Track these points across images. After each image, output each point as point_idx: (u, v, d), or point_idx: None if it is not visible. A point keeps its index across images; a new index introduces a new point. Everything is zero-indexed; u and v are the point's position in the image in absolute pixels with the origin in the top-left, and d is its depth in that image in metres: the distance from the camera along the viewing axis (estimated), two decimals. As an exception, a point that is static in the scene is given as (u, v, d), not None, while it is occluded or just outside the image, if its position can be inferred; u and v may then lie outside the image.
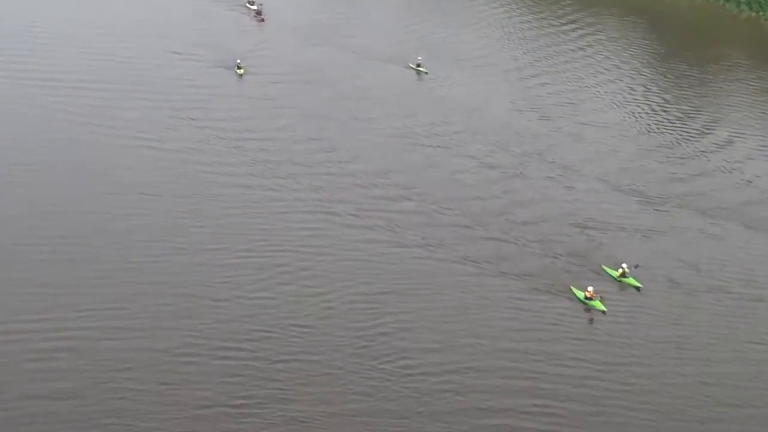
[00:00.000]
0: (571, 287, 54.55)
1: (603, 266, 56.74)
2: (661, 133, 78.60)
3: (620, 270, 55.99)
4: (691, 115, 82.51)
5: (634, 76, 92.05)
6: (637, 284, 55.50)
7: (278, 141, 72.11)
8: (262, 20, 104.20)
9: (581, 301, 53.54)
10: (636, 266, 55.39)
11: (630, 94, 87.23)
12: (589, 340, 51.01)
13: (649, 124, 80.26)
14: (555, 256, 57.86)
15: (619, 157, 73.07)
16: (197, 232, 58.76)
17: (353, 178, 66.56)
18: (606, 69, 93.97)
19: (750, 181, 69.56)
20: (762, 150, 76.08)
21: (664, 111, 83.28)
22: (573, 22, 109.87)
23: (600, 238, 60.50)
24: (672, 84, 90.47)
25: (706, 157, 73.94)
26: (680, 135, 78.18)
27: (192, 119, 74.73)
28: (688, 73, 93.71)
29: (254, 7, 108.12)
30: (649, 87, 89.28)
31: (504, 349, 49.57)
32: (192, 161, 67.84)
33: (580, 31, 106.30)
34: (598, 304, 53.28)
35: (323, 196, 63.88)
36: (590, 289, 53.66)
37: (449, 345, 49.73)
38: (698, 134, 78.50)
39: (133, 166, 66.39)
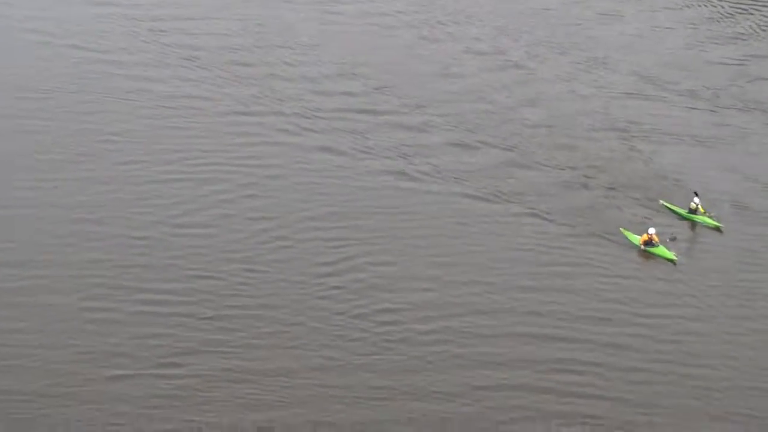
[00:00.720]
0: (622, 229, 41.46)
1: (662, 201, 43.37)
2: (725, 19, 63.85)
3: (693, 205, 42.60)
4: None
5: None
6: (716, 223, 42.16)
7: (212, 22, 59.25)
8: None
9: (638, 247, 40.43)
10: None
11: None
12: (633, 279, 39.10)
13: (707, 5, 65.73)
14: (590, 178, 45.26)
15: (666, 46, 59.82)
16: (102, 141, 46.47)
17: (308, 68, 54.17)
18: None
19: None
20: None
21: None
22: None
23: (649, 151, 47.77)
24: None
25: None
26: (752, 24, 63.60)
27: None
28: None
29: None
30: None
31: (520, 290, 37.65)
32: (91, 51, 55.21)
33: None
34: (663, 251, 40.04)
35: (270, 93, 51.27)
36: (651, 231, 40.26)
37: (443, 286, 37.66)
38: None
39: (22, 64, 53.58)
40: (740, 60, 57.96)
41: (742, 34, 61.74)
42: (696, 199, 42.60)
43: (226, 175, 44.12)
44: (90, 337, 34.34)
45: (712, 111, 52.00)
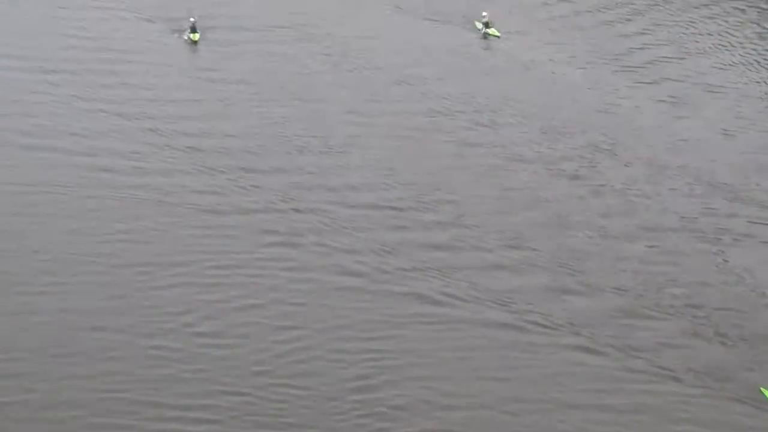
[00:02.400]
0: (762, 388, 34.96)
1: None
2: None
3: None
4: None
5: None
6: None
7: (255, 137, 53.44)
8: None
9: None
10: None
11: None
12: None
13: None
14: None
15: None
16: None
17: (338, 174, 49.39)
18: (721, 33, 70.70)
19: None
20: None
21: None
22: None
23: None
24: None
25: None
26: None
27: (114, 106, 56.22)
28: None
29: None
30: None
31: None
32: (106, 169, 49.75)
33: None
34: None
35: (296, 196, 47.24)
36: None
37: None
38: None
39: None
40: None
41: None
42: None
43: (249, 279, 40.92)
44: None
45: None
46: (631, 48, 65.59)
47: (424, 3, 71.51)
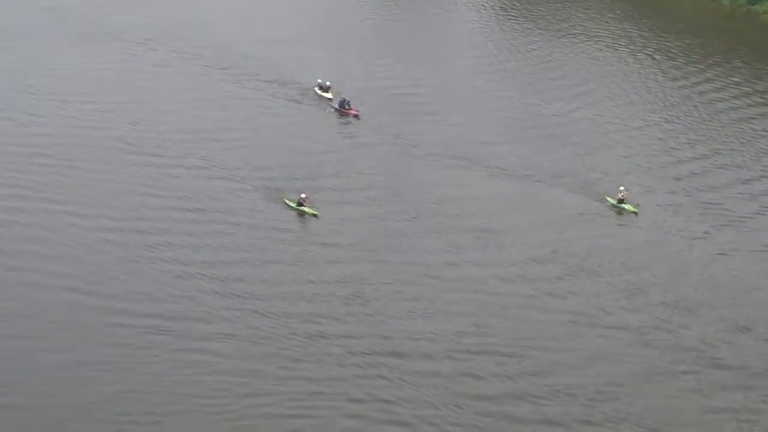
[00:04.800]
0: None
1: None
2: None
3: None
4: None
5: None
6: None
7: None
8: (356, 115, 67.72)
9: None
10: None
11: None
12: None
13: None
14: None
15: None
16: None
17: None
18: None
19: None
20: None
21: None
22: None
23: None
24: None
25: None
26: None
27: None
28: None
29: (328, 95, 70.20)
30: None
31: None
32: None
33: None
34: None
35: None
36: None
37: None
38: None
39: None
40: None
41: None
42: None
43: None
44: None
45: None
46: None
47: (545, 169, 61.53)
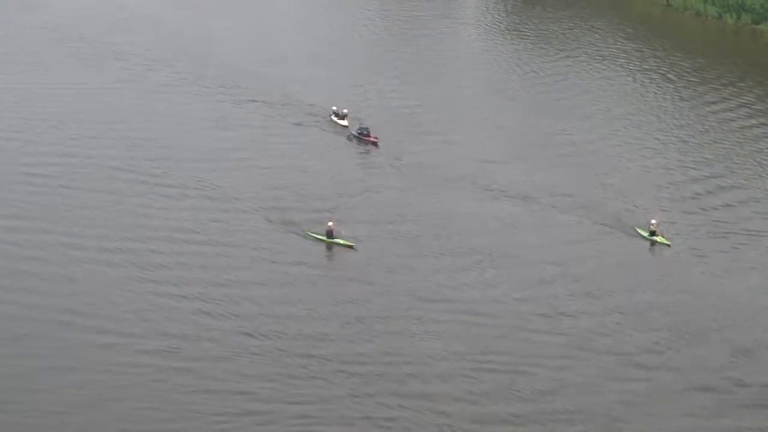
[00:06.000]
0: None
1: None
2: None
3: None
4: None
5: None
6: None
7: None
8: (374, 143, 66.06)
9: None
10: None
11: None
12: None
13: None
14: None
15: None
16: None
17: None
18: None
19: None
20: None
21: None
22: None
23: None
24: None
25: None
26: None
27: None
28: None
29: (344, 122, 68.98)
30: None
31: None
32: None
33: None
34: None
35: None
36: None
37: None
38: None
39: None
40: None
41: None
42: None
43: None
44: None
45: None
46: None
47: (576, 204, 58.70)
